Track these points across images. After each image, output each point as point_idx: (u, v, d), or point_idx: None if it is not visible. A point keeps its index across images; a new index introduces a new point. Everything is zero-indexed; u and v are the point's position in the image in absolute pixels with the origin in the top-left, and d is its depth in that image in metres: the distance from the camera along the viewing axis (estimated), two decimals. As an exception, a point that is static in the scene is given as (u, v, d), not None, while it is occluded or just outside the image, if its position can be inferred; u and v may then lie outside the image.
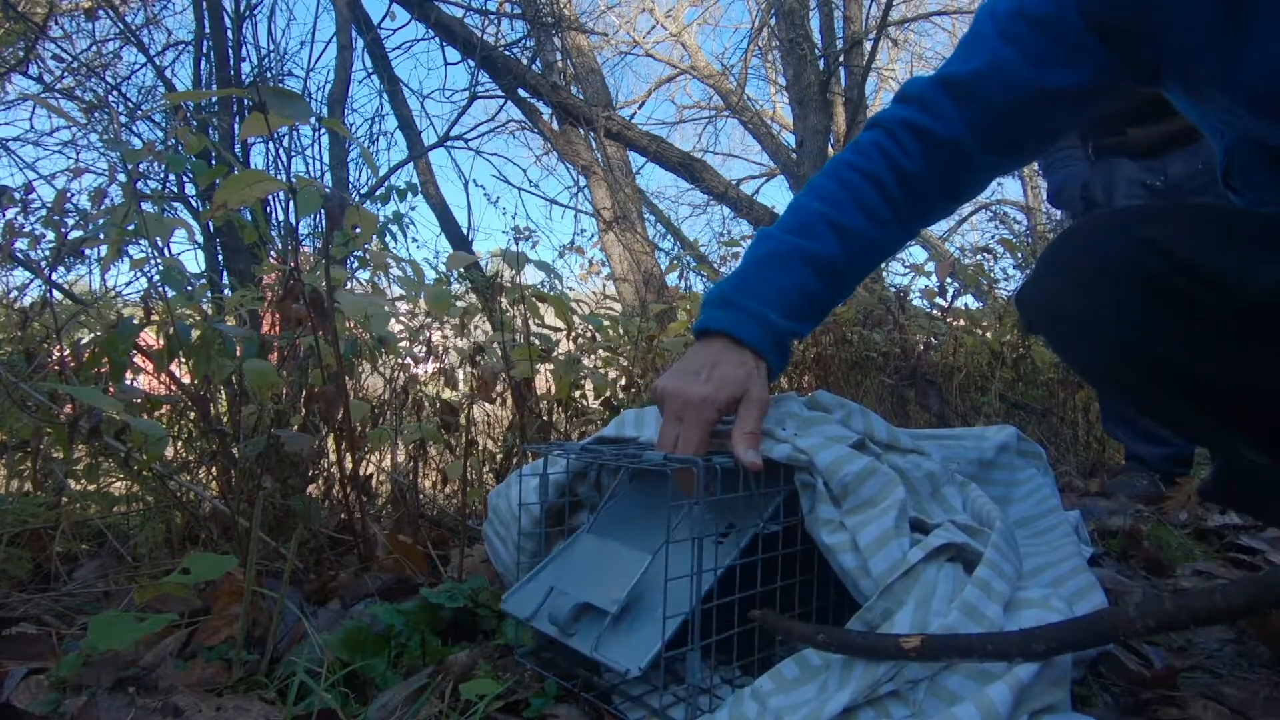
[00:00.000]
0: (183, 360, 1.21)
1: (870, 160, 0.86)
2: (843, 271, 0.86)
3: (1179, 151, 1.93)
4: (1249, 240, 0.77)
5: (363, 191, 4.17)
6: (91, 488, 1.27)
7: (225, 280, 2.76)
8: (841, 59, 5.91)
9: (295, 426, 1.28)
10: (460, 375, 1.79)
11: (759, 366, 0.80)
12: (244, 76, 3.72)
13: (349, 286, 1.74)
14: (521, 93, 5.40)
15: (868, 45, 5.63)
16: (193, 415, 1.29)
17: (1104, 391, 0.92)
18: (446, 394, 1.78)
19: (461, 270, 2.51)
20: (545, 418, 1.70)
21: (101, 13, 3.67)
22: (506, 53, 5.17)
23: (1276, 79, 0.71)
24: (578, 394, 1.81)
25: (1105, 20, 0.78)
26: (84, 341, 1.31)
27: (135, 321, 1.19)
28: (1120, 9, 0.77)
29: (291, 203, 1.32)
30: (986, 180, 0.92)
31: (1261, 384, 0.75)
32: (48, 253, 1.42)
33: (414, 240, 7.96)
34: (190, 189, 3.35)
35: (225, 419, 1.29)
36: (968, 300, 3.22)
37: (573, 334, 1.90)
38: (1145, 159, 1.98)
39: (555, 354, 1.64)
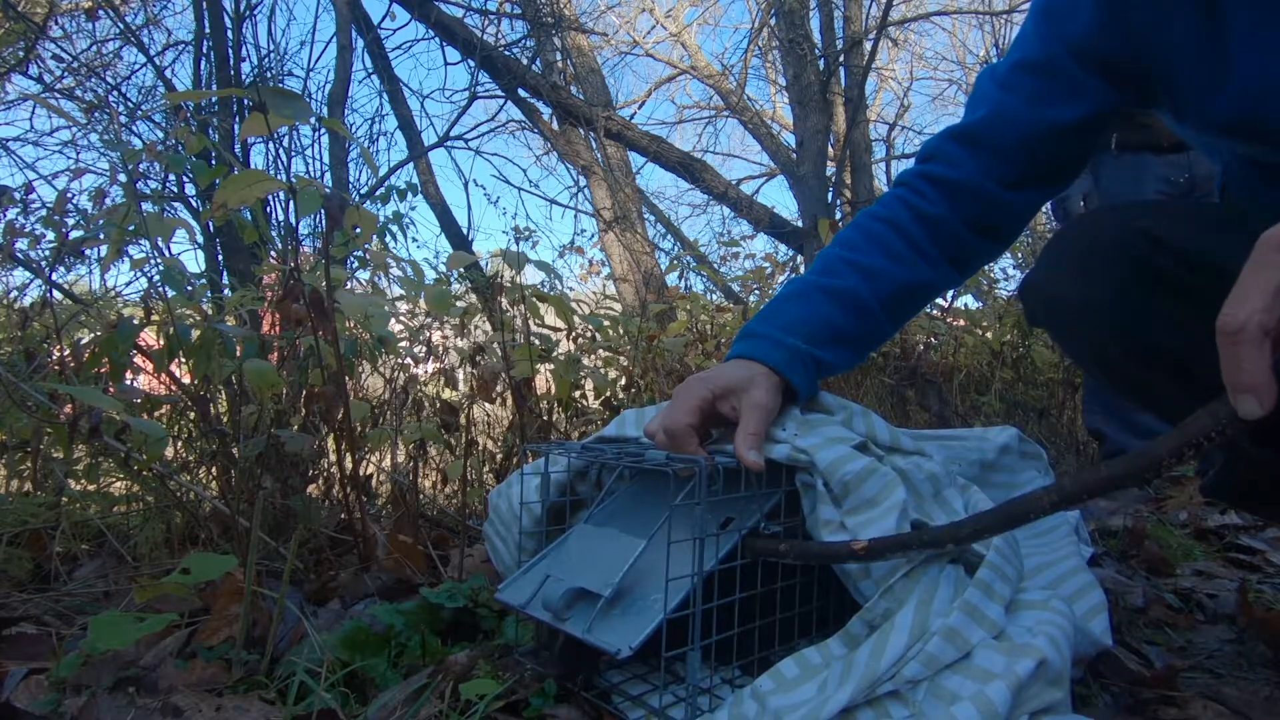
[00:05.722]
0: (183, 360, 1.21)
1: (890, 209, 0.91)
2: (868, 306, 0.87)
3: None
4: (1245, 232, 0.78)
5: (363, 191, 4.17)
6: (91, 488, 1.27)
7: (225, 280, 2.76)
8: (841, 59, 5.91)
9: (295, 426, 1.28)
10: (460, 375, 1.79)
11: (769, 377, 0.80)
12: (244, 76, 3.72)
13: (349, 286, 1.74)
14: (521, 93, 5.40)
15: (868, 45, 5.63)
16: (193, 415, 1.29)
17: (1102, 379, 0.92)
18: (446, 394, 1.78)
19: (461, 270, 2.51)
20: (545, 418, 1.70)
21: (101, 13, 3.67)
22: (506, 53, 5.17)
23: (1251, 105, 0.73)
24: (578, 394, 1.81)
25: (1097, 56, 0.82)
26: (84, 341, 1.31)
27: (135, 321, 1.19)
28: (1112, 48, 0.80)
29: (291, 203, 1.32)
30: (1022, 216, 0.94)
31: None
32: (48, 253, 1.42)
33: (414, 240, 7.95)
34: (190, 189, 3.35)
35: (225, 419, 1.29)
36: (968, 300, 3.22)
37: (573, 334, 1.90)
38: (1170, 154, 1.97)
39: (555, 354, 1.64)
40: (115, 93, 3.72)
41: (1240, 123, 0.76)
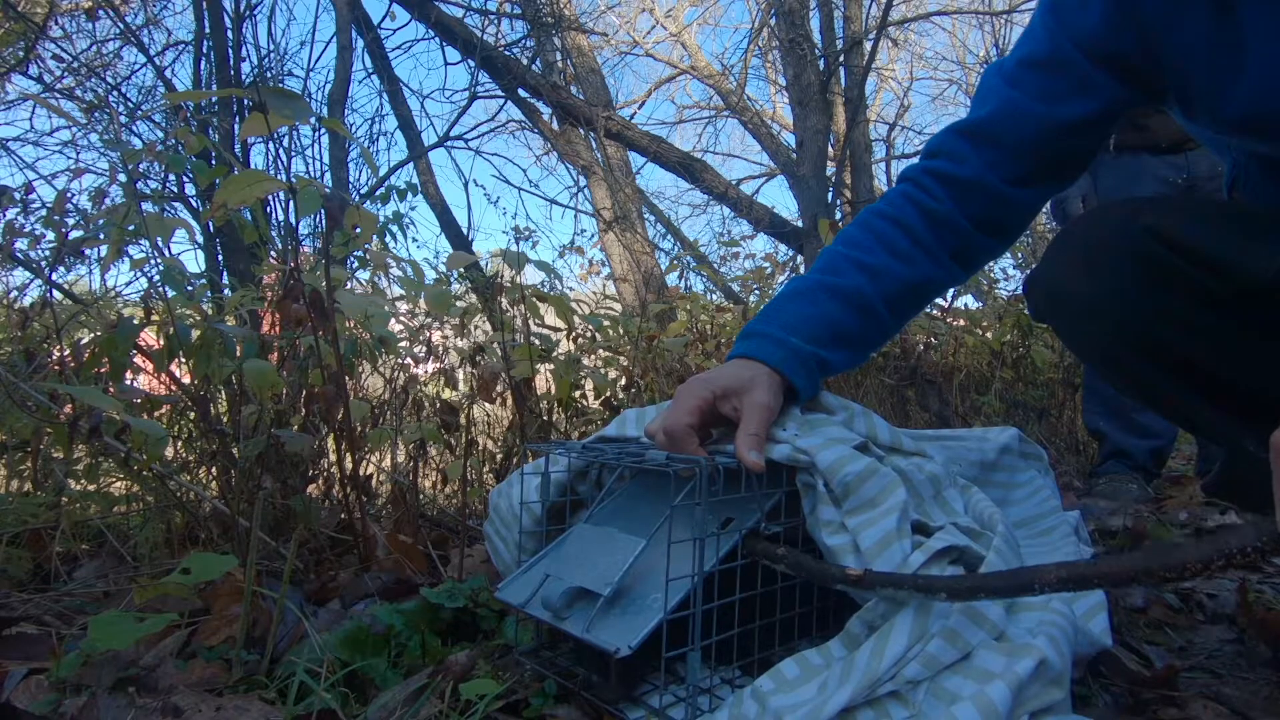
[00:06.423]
0: (183, 360, 1.21)
1: (894, 206, 0.90)
2: (872, 305, 0.86)
3: (1202, 149, 1.93)
4: (1250, 228, 0.78)
5: (363, 191, 4.17)
6: (91, 488, 1.27)
7: (225, 280, 2.76)
8: (841, 59, 5.91)
9: (295, 426, 1.28)
10: (460, 375, 1.79)
11: (770, 377, 0.80)
12: (244, 76, 3.71)
13: (349, 286, 1.74)
14: (521, 93, 5.40)
15: (868, 45, 5.63)
16: (193, 415, 1.29)
17: (1104, 374, 0.92)
18: (446, 394, 1.78)
19: (461, 270, 2.51)
20: (545, 418, 1.70)
21: (101, 13, 3.67)
22: (506, 53, 5.16)
23: (1263, 102, 0.73)
24: (578, 394, 1.81)
25: (1107, 52, 0.81)
26: (84, 341, 1.31)
27: (135, 321, 1.19)
28: (1121, 44, 0.79)
29: (291, 203, 1.32)
30: (1026, 213, 0.93)
31: (1262, 371, 0.76)
32: (48, 253, 1.42)
33: (414, 240, 7.97)
34: (190, 189, 3.35)
35: (225, 419, 1.29)
36: (968, 300, 3.22)
37: (573, 334, 1.90)
38: (1168, 154, 1.97)
39: (555, 354, 1.64)
40: (115, 93, 3.72)
41: (1251, 120, 0.75)
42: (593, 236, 5.67)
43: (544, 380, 1.74)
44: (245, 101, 3.36)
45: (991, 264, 3.29)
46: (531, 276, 6.07)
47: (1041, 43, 0.85)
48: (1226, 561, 0.49)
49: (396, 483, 1.49)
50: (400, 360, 1.67)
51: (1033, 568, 0.57)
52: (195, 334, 1.20)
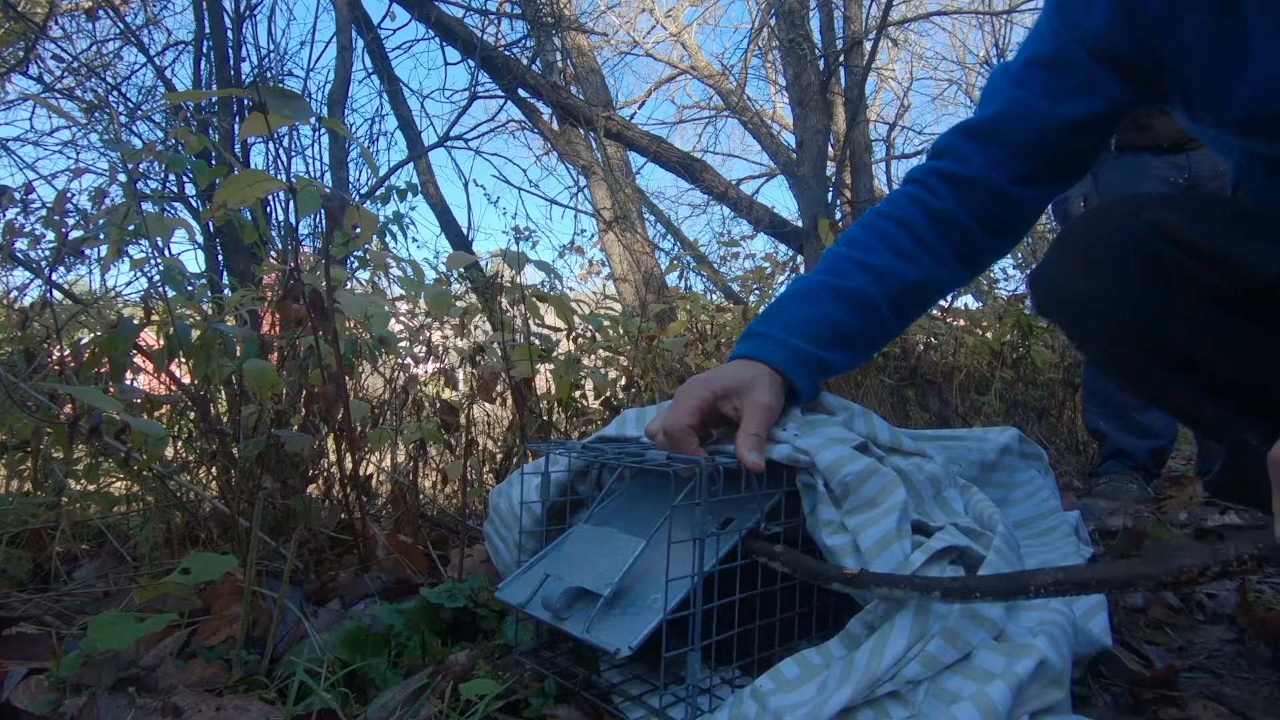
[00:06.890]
0: (183, 360, 1.21)
1: (898, 207, 0.90)
2: (875, 305, 0.86)
3: (1203, 149, 1.93)
4: (1253, 226, 0.79)
5: (363, 191, 4.17)
6: (91, 488, 1.27)
7: (225, 280, 2.76)
8: (841, 59, 5.91)
9: (295, 426, 1.28)
10: (460, 375, 1.79)
11: (772, 377, 0.79)
12: (244, 76, 3.72)
13: (349, 286, 1.74)
14: (521, 93, 5.40)
15: (868, 45, 5.63)
16: (193, 415, 1.29)
17: (1105, 370, 0.92)
18: (446, 394, 1.78)
19: (461, 270, 2.51)
20: (545, 418, 1.70)
21: (101, 13, 3.67)
22: (506, 53, 5.16)
23: (1266, 102, 0.73)
24: (578, 394, 1.81)
25: (1111, 52, 0.81)
26: (84, 341, 1.31)
27: (135, 321, 1.19)
28: (1126, 44, 0.79)
29: (291, 203, 1.32)
30: (1030, 213, 0.93)
31: (1265, 369, 0.76)
32: (48, 253, 1.41)
33: (414, 240, 7.97)
34: (190, 189, 3.35)
35: (225, 419, 1.29)
36: (968, 300, 3.23)
37: (573, 334, 1.90)
38: (1170, 154, 1.97)
39: (555, 354, 1.64)
40: (115, 93, 3.72)
41: (1254, 120, 0.76)
42: (593, 236, 5.68)
43: (544, 380, 1.74)
44: (245, 101, 3.36)
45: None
46: (531, 276, 6.07)
47: (1047, 41, 0.85)
48: (1223, 569, 0.49)
49: (396, 483, 1.49)
50: (400, 360, 1.67)
51: (1029, 571, 0.57)
52: (195, 334, 1.20)
